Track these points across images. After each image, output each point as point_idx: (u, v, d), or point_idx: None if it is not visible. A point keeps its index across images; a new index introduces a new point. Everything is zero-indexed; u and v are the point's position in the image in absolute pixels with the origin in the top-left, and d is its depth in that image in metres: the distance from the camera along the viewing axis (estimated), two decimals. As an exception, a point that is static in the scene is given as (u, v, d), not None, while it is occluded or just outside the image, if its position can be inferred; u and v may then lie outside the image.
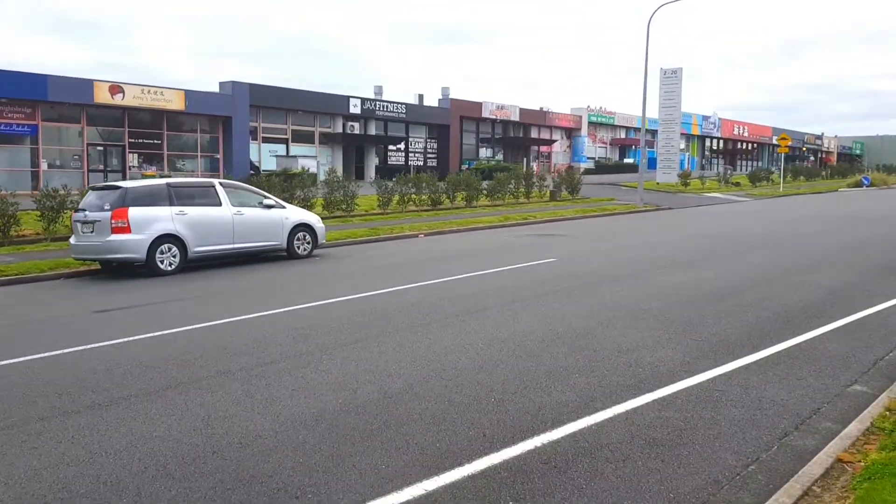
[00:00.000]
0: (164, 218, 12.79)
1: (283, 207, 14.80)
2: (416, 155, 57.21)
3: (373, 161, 52.85)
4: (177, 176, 36.86)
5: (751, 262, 13.40)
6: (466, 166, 55.29)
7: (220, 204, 13.60)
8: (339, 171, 49.03)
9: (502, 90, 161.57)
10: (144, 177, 37.97)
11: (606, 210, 27.93)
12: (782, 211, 28.53)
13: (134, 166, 40.23)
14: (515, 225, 22.72)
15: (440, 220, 22.84)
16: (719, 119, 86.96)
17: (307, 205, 22.44)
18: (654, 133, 58.80)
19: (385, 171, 48.31)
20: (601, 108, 73.15)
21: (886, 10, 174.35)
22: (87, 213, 12.86)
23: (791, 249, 15.45)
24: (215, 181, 14.08)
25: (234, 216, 13.67)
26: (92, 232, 12.67)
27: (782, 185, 44.54)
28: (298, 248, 14.80)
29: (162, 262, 12.74)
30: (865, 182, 49.17)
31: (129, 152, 40.01)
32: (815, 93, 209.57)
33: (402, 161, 55.23)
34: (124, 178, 38.24)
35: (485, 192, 29.57)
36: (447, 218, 23.81)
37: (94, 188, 13.69)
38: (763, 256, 14.27)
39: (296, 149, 47.58)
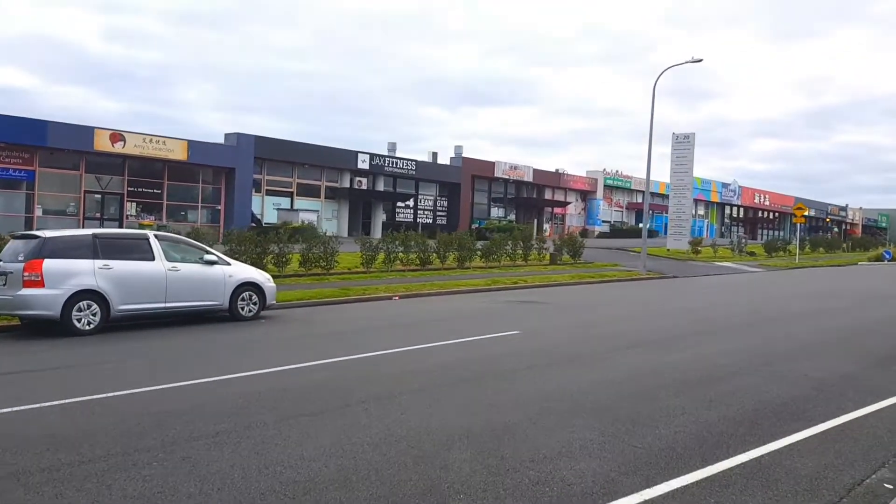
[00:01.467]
0: (84, 272, 11.64)
1: (228, 264, 13.64)
2: (426, 213, 56.38)
3: (380, 217, 52.05)
4: (175, 226, 36.20)
5: (736, 344, 11.92)
6: (477, 225, 54.30)
7: (152, 258, 12.46)
8: (345, 226, 48.37)
9: (528, 152, 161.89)
10: (141, 226, 37.34)
11: (605, 276, 26.52)
12: (792, 285, 26.92)
13: (132, 215, 39.67)
14: (502, 289, 21.40)
15: (423, 282, 21.60)
16: (739, 187, 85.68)
17: (283, 260, 21.34)
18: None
19: (393, 227, 47.37)
20: (617, 171, 72.22)
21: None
22: (1, 262, 11.79)
23: (787, 330, 13.92)
24: (150, 233, 12.98)
25: (168, 272, 12.50)
26: (4, 284, 11.55)
27: (798, 256, 42.81)
28: (242, 308, 13.57)
29: (79, 320, 11.55)
30: (887, 256, 47.23)
31: (128, 201, 39.51)
32: (843, 163, 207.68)
33: (410, 218, 54.40)
34: (121, 227, 37.68)
35: (479, 253, 28.32)
36: (432, 279, 22.57)
37: (14, 236, 12.66)
38: (752, 337, 12.78)
39: (301, 202, 46.94)
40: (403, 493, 5.09)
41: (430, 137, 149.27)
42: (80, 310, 11.54)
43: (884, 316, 16.76)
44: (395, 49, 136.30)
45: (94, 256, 11.84)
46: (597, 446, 6.28)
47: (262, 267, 20.83)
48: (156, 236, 12.84)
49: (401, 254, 25.24)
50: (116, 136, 37.52)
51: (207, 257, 13.24)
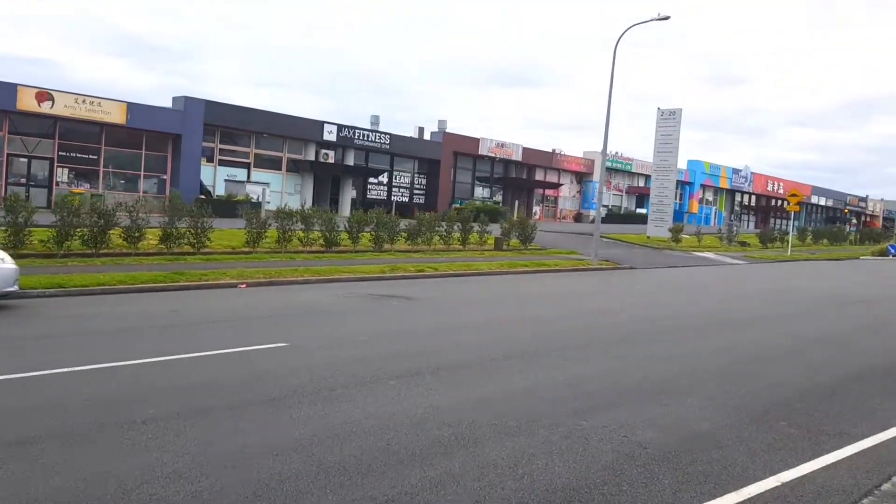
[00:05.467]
0: None
1: (-67, 237, 10.38)
2: (402, 190, 52.93)
3: (349, 194, 48.69)
4: (113, 195, 33.22)
5: (582, 371, 8.48)
6: (457, 205, 50.75)
7: None
8: (310, 201, 44.97)
9: (556, 136, 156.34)
10: (72, 194, 34.33)
11: (543, 265, 22.97)
12: (759, 281, 23.19)
13: (63, 182, 36.67)
14: (398, 278, 17.99)
15: (306, 266, 18.24)
16: (751, 173, 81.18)
17: (135, 236, 18.01)
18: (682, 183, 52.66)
19: (365, 205, 43.94)
20: (617, 153, 67.89)
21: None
22: None
23: (676, 349, 10.31)
24: None
25: None
26: None
27: (790, 249, 38.73)
28: (-44, 296, 10.32)
29: None
30: (892, 250, 42.83)
31: (59, 166, 36.46)
32: (878, 155, 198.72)
33: (384, 196, 51.01)
34: (50, 194, 34.78)
35: (404, 234, 24.87)
36: (323, 263, 19.19)
37: None
38: (616, 360, 9.26)
39: (258, 174, 43.67)
40: None
41: (457, 119, 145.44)
42: None
43: (828, 330, 12.97)
44: (428, 30, 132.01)
45: None
46: None
47: (105, 242, 17.63)
48: None
49: (299, 232, 21.84)
50: (43, 95, 34.46)
51: None
